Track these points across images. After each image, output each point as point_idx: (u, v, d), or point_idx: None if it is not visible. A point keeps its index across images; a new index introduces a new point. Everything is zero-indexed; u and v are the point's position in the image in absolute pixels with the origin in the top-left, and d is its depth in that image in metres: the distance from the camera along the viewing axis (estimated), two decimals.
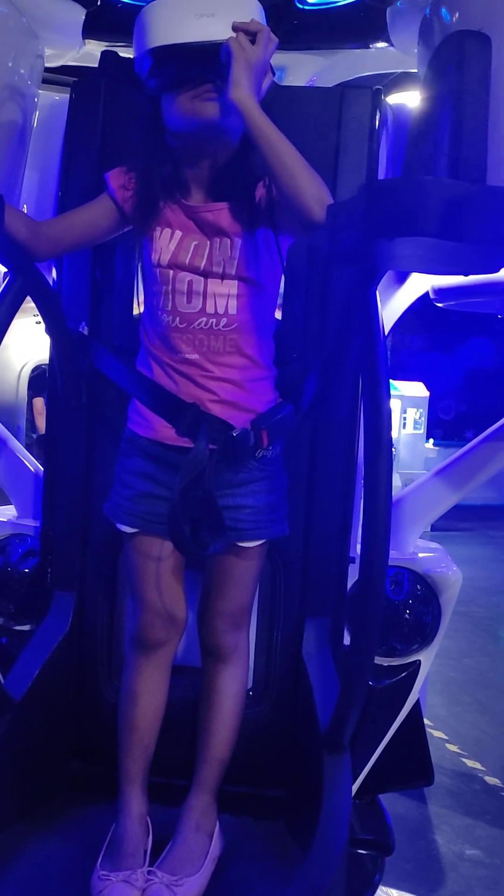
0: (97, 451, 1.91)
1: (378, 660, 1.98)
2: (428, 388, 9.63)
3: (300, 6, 2.04)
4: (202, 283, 1.59)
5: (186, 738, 1.82)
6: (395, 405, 8.41)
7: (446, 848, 2.91)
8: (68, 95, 1.92)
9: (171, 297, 1.61)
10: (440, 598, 2.00)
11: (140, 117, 1.62)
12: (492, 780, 3.11)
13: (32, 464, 2.13)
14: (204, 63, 1.43)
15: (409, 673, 2.00)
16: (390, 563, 1.98)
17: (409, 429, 9.04)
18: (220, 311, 1.60)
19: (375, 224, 1.08)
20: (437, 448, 9.92)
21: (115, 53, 1.66)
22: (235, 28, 1.40)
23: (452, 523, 7.64)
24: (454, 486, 2.00)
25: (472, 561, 7.29)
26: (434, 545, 2.15)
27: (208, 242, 1.59)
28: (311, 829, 1.53)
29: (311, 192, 1.40)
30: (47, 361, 1.94)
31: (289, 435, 1.70)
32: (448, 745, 3.39)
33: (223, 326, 1.60)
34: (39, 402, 5.38)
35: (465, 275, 1.39)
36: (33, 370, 5.58)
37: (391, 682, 1.99)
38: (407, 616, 1.99)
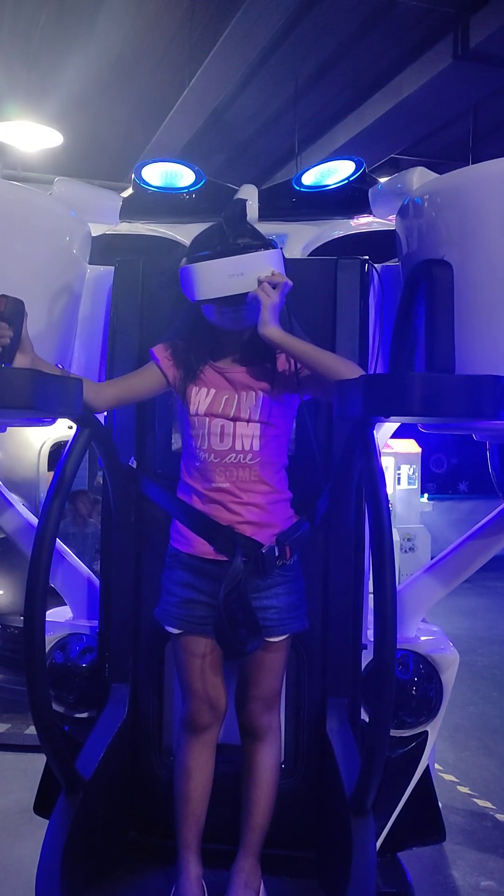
0: (144, 563, 2.25)
1: (391, 732, 2.27)
2: (419, 444, 9.73)
3: (297, 188, 2.50)
4: (232, 427, 1.98)
5: (231, 807, 2.10)
6: (389, 462, 8.50)
7: (462, 881, 3.05)
8: (108, 268, 2.33)
9: (207, 438, 1.99)
10: (442, 675, 2.31)
11: (169, 290, 2.07)
12: (502, 816, 3.24)
13: (85, 572, 2.47)
14: (234, 300, 1.90)
15: (418, 743, 2.30)
16: (396, 646, 2.31)
17: (404, 485, 9.10)
18: (247, 448, 1.98)
19: (373, 407, 1.46)
20: (431, 502, 9.92)
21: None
22: (261, 281, 1.85)
23: None
24: (447, 578, 2.34)
25: (471, 612, 7.39)
26: (434, 628, 2.47)
27: (237, 395, 1.99)
28: (343, 883, 1.81)
29: (334, 373, 1.83)
30: (63, 439, 2.28)
31: (306, 545, 2.06)
32: (459, 787, 3.49)
33: (249, 460, 1.98)
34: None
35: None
36: (52, 446, 6.00)
37: (403, 752, 2.29)
38: (413, 692, 2.30)
